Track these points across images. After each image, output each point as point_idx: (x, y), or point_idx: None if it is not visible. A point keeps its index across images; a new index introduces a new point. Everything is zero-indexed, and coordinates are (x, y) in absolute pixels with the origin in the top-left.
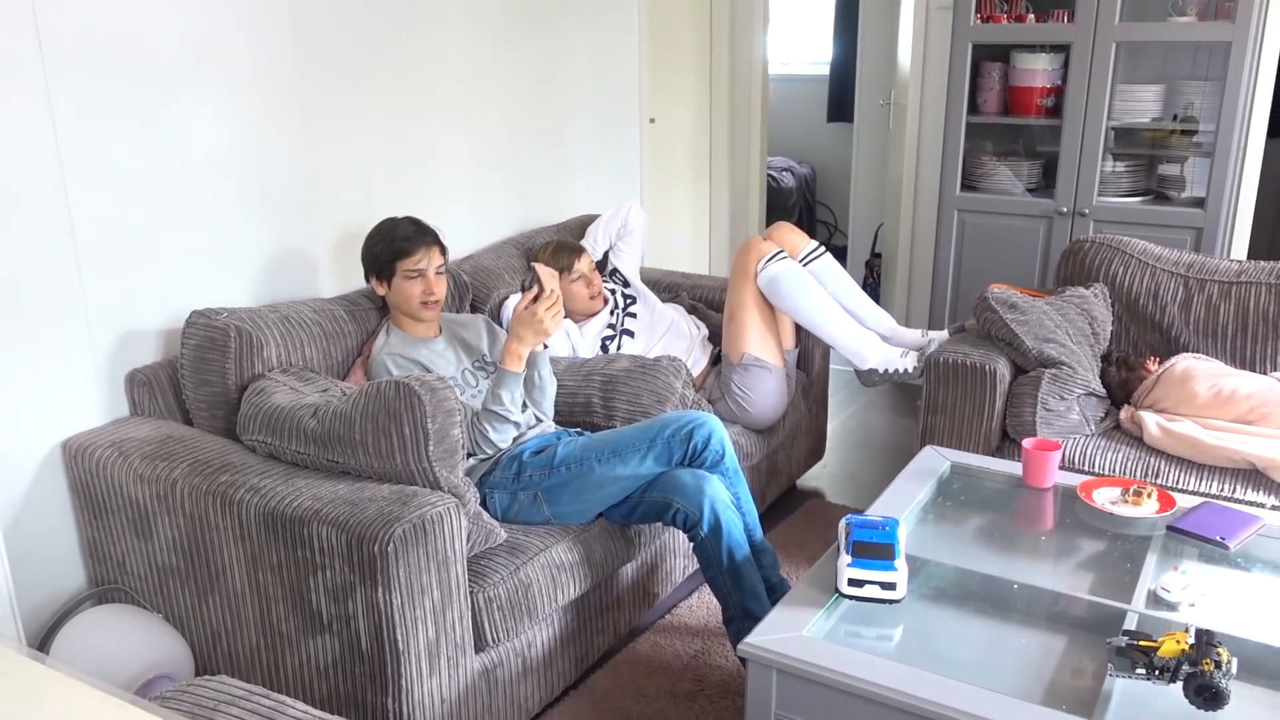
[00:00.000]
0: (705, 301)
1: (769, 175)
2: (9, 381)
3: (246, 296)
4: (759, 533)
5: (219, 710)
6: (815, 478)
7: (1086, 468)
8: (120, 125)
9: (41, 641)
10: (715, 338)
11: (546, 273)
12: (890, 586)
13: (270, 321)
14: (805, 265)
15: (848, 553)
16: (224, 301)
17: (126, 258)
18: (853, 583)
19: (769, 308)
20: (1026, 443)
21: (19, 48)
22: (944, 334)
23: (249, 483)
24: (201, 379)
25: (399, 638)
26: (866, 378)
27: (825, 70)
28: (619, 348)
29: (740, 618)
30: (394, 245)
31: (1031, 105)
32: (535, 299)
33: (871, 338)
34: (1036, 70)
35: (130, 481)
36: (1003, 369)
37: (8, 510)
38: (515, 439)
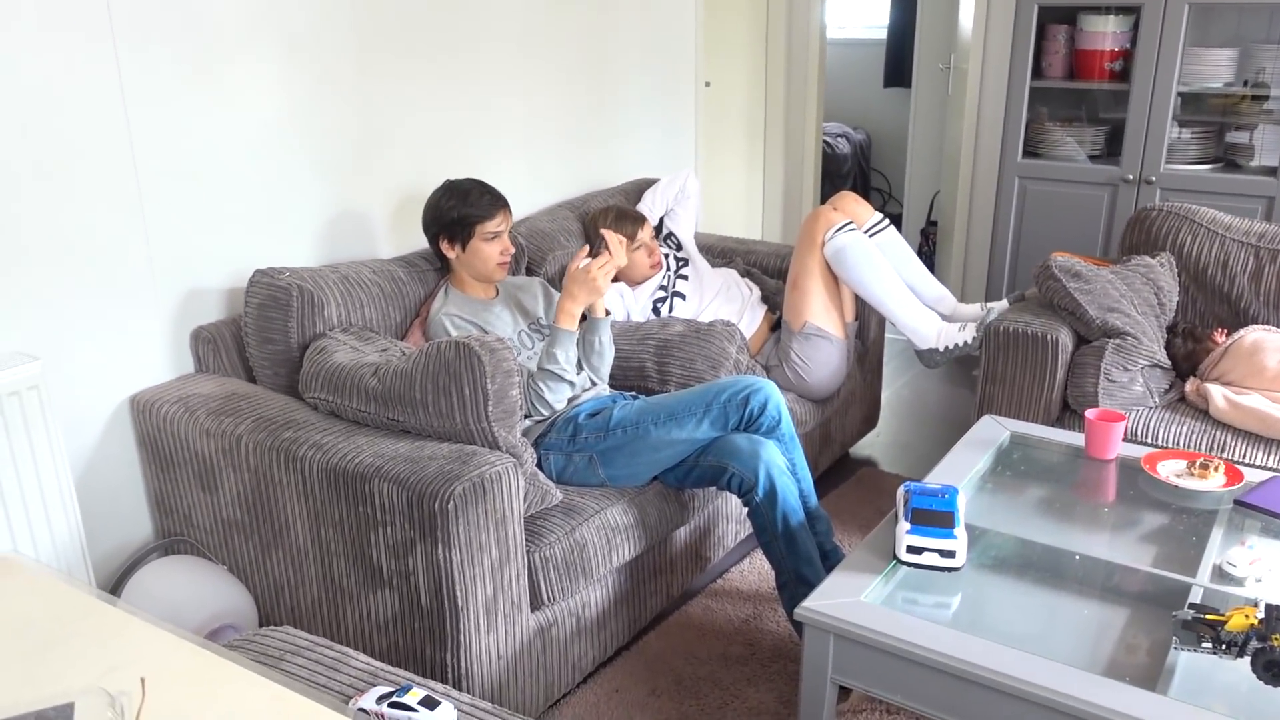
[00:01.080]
0: (760, 267)
1: (824, 141)
2: (80, 337)
3: (306, 256)
4: (814, 499)
5: (285, 659)
6: (868, 446)
7: (1150, 440)
8: (184, 85)
9: (111, 589)
10: (768, 301)
11: (616, 240)
12: (949, 554)
13: (331, 281)
14: (869, 237)
15: (906, 520)
16: (285, 261)
17: (190, 216)
18: (911, 550)
19: (833, 278)
20: (1090, 413)
21: (88, 7)
22: (1003, 304)
23: (312, 439)
24: (264, 337)
25: (458, 594)
26: (927, 358)
27: (883, 34)
28: (670, 309)
29: (794, 583)
30: (475, 209)
31: (1098, 69)
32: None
33: (932, 317)
34: (1104, 33)
35: (196, 436)
36: (1065, 338)
37: (79, 461)
38: (570, 401)
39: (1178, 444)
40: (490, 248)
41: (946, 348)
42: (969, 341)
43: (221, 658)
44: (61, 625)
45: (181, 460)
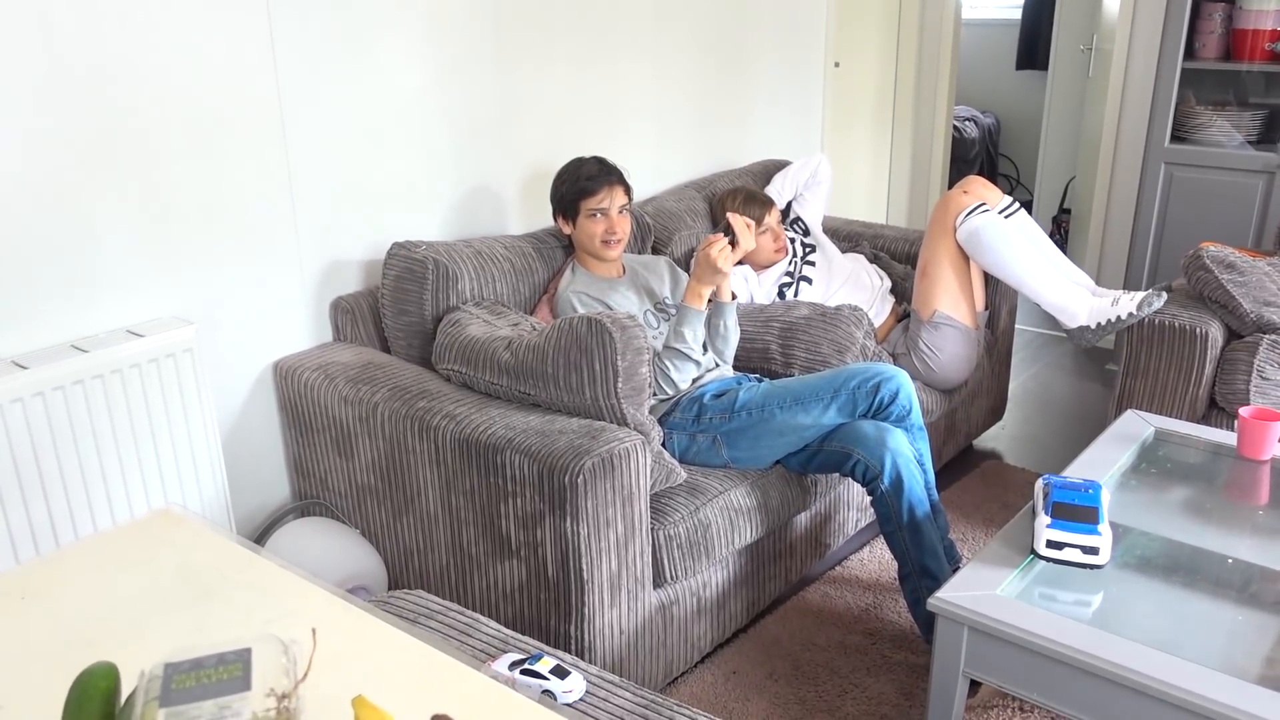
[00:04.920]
0: (888, 252)
1: (952, 125)
2: (231, 302)
3: (440, 230)
4: (934, 493)
5: (419, 621)
6: (993, 439)
7: None
8: (332, 59)
9: None
10: (897, 290)
11: (743, 224)
12: (1092, 551)
13: (465, 256)
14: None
15: (1046, 513)
16: (420, 235)
17: (334, 188)
18: (1051, 544)
19: (965, 265)
20: (1244, 411)
21: None
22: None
23: (445, 409)
24: (400, 309)
25: (584, 567)
26: (1078, 336)
27: (1017, 15)
28: (796, 294)
29: (917, 574)
30: (579, 184)
31: (1257, 50)
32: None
33: (1079, 292)
34: (1266, 11)
35: (335, 403)
36: (1215, 333)
37: (225, 423)
38: (695, 381)
39: None
40: (594, 225)
41: (1099, 324)
42: (1132, 312)
43: (372, 615)
44: (223, 576)
45: (320, 426)
